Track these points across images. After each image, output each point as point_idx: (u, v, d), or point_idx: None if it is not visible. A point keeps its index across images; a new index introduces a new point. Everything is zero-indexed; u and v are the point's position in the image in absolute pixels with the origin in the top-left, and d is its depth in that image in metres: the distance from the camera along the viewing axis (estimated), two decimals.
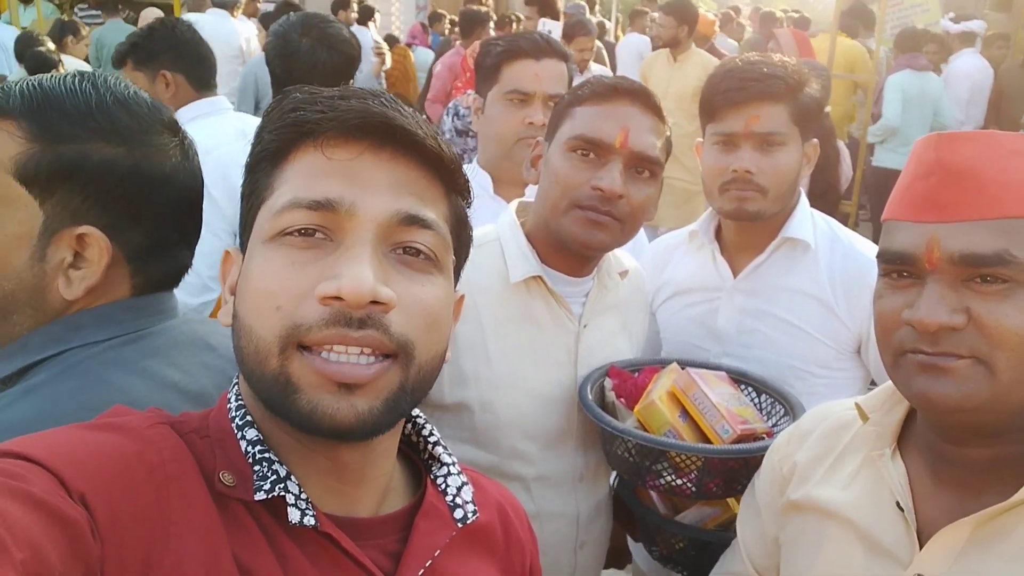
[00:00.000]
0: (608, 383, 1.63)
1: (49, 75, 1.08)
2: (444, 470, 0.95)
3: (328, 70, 2.57)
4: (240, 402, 0.86)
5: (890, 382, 1.13)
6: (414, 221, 0.82)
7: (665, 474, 1.46)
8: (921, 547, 1.03)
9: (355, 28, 9.23)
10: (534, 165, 1.68)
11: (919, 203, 0.99)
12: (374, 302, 0.76)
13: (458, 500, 0.92)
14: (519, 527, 1.05)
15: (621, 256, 1.75)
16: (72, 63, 6.30)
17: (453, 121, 3.52)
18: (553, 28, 5.29)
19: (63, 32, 6.97)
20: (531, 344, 1.59)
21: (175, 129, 1.13)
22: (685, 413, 1.53)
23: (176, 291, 1.19)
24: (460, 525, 0.90)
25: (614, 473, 1.75)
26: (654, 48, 5.86)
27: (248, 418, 0.84)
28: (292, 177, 0.82)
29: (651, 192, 1.56)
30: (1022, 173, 0.95)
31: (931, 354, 0.96)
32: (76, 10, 10.91)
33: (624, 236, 1.56)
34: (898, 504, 1.07)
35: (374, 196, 0.80)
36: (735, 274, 1.85)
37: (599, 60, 6.53)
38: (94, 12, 10.54)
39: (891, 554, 1.06)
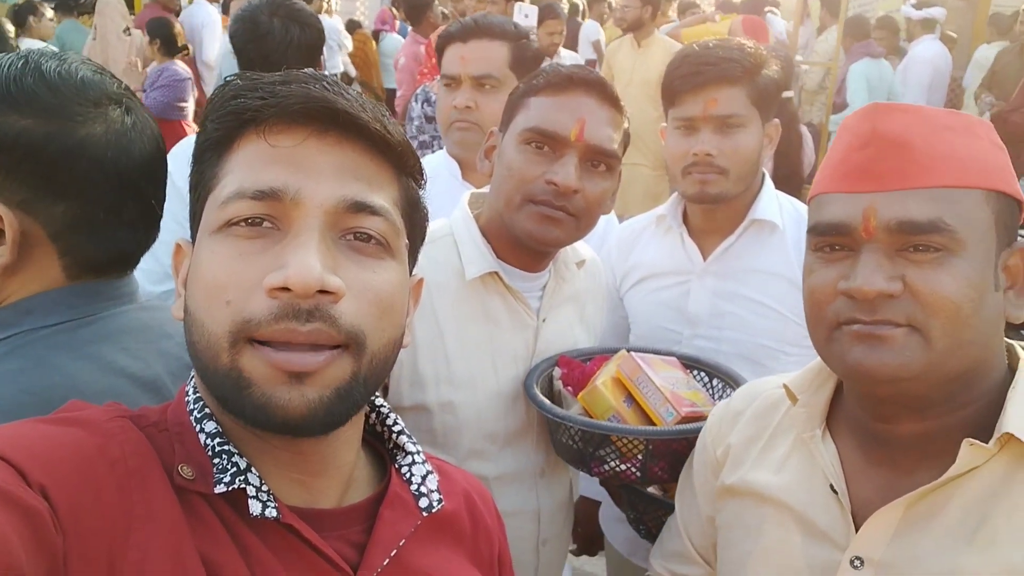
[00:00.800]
0: (557, 372, 1.61)
1: None
2: (409, 459, 0.95)
3: (303, 47, 2.53)
4: (198, 395, 0.85)
5: (816, 361, 1.14)
6: (361, 208, 0.80)
7: (609, 460, 1.45)
8: (857, 529, 1.03)
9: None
10: (488, 156, 1.63)
11: (855, 174, 0.99)
12: (322, 291, 0.75)
13: (423, 489, 0.91)
14: (487, 515, 1.04)
15: (578, 247, 1.72)
16: (32, 45, 6.17)
17: (423, 107, 3.48)
18: (530, 12, 5.25)
19: (21, 14, 6.81)
20: (490, 342, 1.56)
21: (117, 105, 1.08)
22: (630, 398, 1.52)
23: (141, 279, 1.16)
24: (425, 514, 0.90)
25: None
26: (619, 31, 5.86)
27: (206, 411, 0.83)
28: (237, 166, 0.80)
29: (607, 186, 1.52)
30: (952, 146, 0.97)
31: (868, 323, 0.96)
32: None
33: (579, 231, 1.53)
34: (832, 487, 1.07)
35: (320, 182, 0.79)
36: (704, 257, 1.87)
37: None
38: None
39: (828, 537, 1.06)
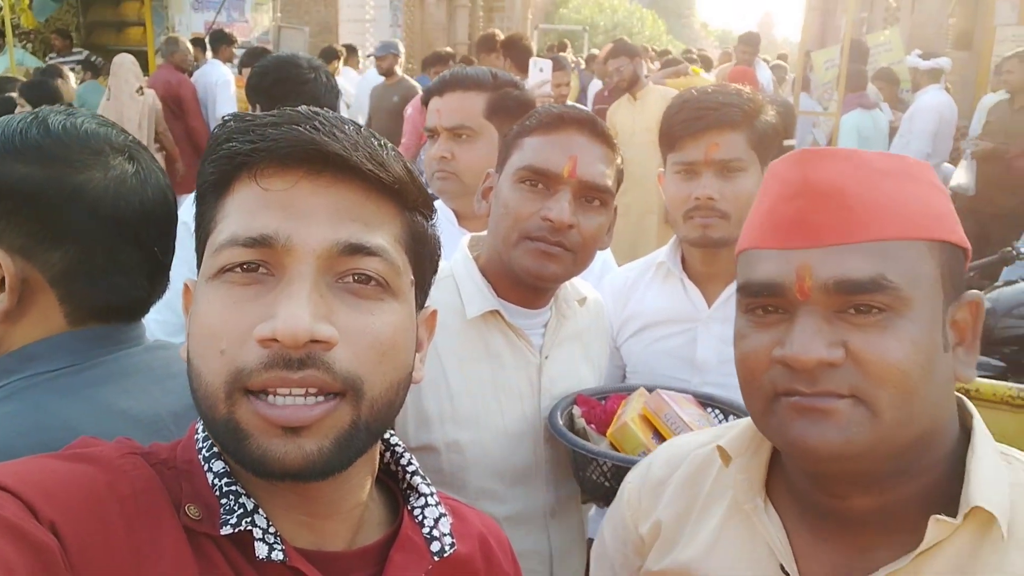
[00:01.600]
0: (577, 411, 1.61)
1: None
2: (422, 500, 0.92)
3: (334, 93, 2.63)
4: (207, 433, 0.84)
5: (750, 419, 1.03)
6: (356, 250, 0.78)
7: None
8: None
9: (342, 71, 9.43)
10: (485, 197, 1.65)
11: (785, 228, 0.90)
12: (314, 340, 0.73)
13: (435, 532, 0.89)
14: (502, 559, 1.01)
15: (578, 284, 1.73)
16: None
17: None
18: (545, 66, 5.38)
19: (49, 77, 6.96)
20: (493, 379, 1.56)
21: (120, 154, 1.10)
22: (658, 435, 1.51)
23: (156, 330, 1.16)
24: (436, 558, 0.87)
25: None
26: (614, 92, 5.98)
27: (215, 450, 0.82)
28: (232, 211, 0.79)
29: (602, 220, 1.54)
30: (890, 194, 0.88)
31: (808, 395, 0.86)
32: (47, 57, 10.97)
33: (576, 267, 1.54)
34: (782, 567, 0.96)
35: (312, 226, 0.77)
36: (709, 303, 1.85)
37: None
38: (65, 58, 10.61)
39: None
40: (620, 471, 1.42)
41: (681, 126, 1.78)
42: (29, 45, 12.15)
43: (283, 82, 2.57)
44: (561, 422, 1.55)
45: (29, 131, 1.04)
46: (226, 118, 0.83)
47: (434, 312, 0.95)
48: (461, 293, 1.57)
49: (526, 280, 1.52)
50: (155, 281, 1.16)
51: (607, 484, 1.47)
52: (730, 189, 1.74)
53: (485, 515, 1.06)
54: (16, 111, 5.22)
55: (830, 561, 0.95)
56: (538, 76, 5.22)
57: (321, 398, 0.75)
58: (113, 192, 1.07)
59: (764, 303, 0.91)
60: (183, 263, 1.15)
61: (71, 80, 7.25)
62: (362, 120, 9.55)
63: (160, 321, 1.18)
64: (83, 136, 1.07)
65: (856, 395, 0.85)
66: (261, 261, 0.77)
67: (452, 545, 0.89)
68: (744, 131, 1.74)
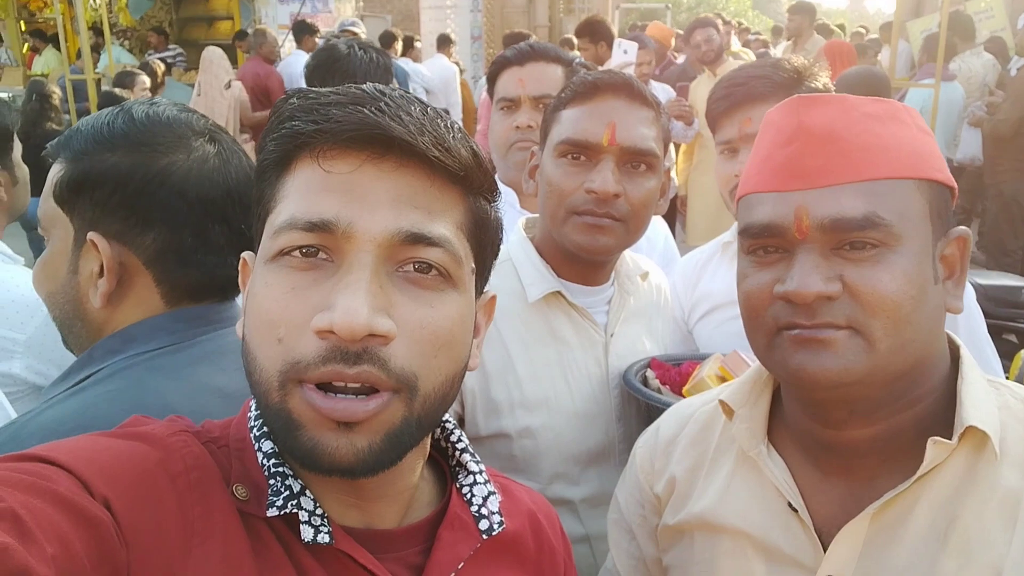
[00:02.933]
0: (651, 373, 1.58)
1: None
2: (470, 479, 0.92)
3: (380, 68, 2.63)
4: (259, 412, 0.83)
5: (750, 372, 1.10)
6: (418, 240, 0.76)
7: None
8: (824, 546, 0.97)
9: (401, 61, 9.51)
10: (531, 176, 1.62)
11: (783, 172, 0.94)
12: (372, 335, 0.72)
13: (483, 511, 0.89)
14: (551, 535, 1.01)
15: (638, 259, 1.70)
16: None
17: None
18: (629, 48, 5.30)
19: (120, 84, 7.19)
20: (560, 362, 1.54)
21: (201, 136, 1.15)
22: None
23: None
24: (485, 536, 0.87)
25: None
26: (694, 65, 5.87)
27: (265, 429, 0.82)
28: (292, 191, 0.78)
29: (652, 185, 1.49)
30: (879, 136, 0.93)
31: (808, 327, 0.91)
32: (146, 54, 11.37)
33: (629, 235, 1.50)
34: (790, 505, 1.00)
35: (374, 213, 0.75)
36: None
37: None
38: (162, 54, 10.98)
39: (794, 560, 1.00)
40: None
41: (715, 106, 1.76)
42: (126, 43, 12.62)
43: (320, 67, 2.62)
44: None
45: (115, 122, 1.10)
46: (289, 94, 0.81)
47: (493, 297, 0.94)
48: (521, 276, 1.56)
49: (580, 256, 1.50)
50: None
51: None
52: None
53: (535, 491, 1.05)
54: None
55: (836, 494, 0.99)
56: (622, 58, 5.15)
57: (373, 394, 0.74)
58: (197, 172, 1.11)
59: (764, 243, 0.96)
60: None
61: (144, 82, 7.50)
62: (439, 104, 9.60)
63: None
64: (165, 122, 1.12)
65: (852, 326, 0.90)
66: (321, 246, 0.75)
67: (501, 523, 0.89)
68: (779, 101, 1.68)
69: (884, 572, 0.94)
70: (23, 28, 12.97)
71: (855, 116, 0.93)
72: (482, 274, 0.89)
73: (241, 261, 0.88)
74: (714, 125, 1.79)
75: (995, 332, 4.20)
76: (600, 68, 4.53)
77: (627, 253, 1.66)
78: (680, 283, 1.96)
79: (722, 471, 1.10)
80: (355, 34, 6.50)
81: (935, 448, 0.90)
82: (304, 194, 0.77)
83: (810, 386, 0.93)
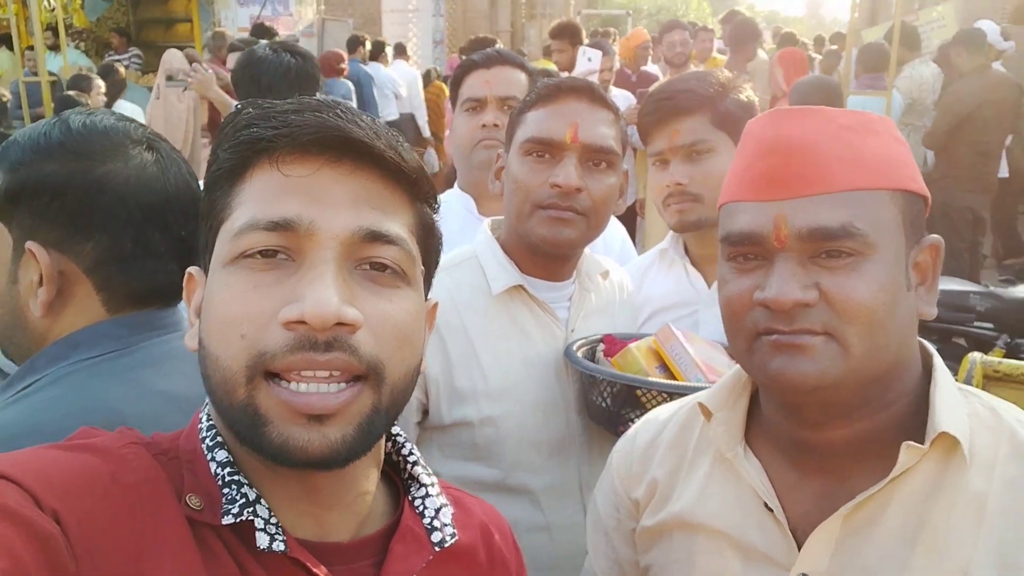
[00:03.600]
0: (601, 347, 1.65)
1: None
2: (423, 491, 0.93)
3: (298, 74, 2.64)
4: (211, 423, 0.84)
5: (729, 375, 1.13)
6: (377, 237, 0.79)
7: (634, 419, 1.42)
8: (798, 544, 1.01)
9: (370, 66, 9.44)
10: (498, 177, 1.71)
11: (762, 181, 0.98)
12: (340, 323, 0.74)
13: (436, 523, 0.90)
14: (503, 547, 1.02)
15: (599, 258, 1.78)
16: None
17: None
18: (593, 56, 5.35)
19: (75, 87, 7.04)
20: (522, 353, 1.61)
21: (139, 145, 1.15)
22: (664, 367, 1.55)
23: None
24: (437, 548, 0.88)
25: None
26: (672, 68, 5.94)
27: (219, 439, 0.83)
28: (249, 197, 0.79)
29: (612, 182, 1.58)
30: (855, 147, 0.96)
31: (787, 332, 0.94)
32: (106, 55, 11.19)
33: (591, 230, 1.59)
34: (766, 505, 1.04)
35: (334, 212, 0.77)
36: (709, 285, 1.88)
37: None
38: (124, 55, 10.82)
39: (769, 559, 1.03)
40: (617, 395, 1.50)
41: (646, 120, 1.84)
42: (82, 44, 12.41)
43: (241, 69, 2.66)
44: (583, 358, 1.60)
45: (52, 132, 1.10)
46: (240, 105, 0.83)
47: (435, 305, 0.96)
48: (485, 272, 1.62)
49: (544, 249, 1.58)
50: (186, 265, 1.19)
51: (604, 405, 1.51)
52: (699, 171, 1.77)
53: (487, 504, 1.07)
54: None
55: (811, 494, 1.03)
56: (586, 65, 5.20)
57: (343, 384, 0.75)
58: (136, 180, 1.12)
59: (744, 251, 0.99)
60: None
61: (100, 88, 7.37)
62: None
63: None
64: (102, 131, 1.13)
65: (829, 332, 0.93)
66: (281, 247, 0.77)
67: (453, 535, 0.89)
68: (706, 113, 1.77)
69: (856, 570, 0.97)
70: None
71: (832, 128, 0.97)
72: (428, 279, 0.92)
73: (187, 276, 0.89)
74: (645, 137, 1.87)
75: (944, 336, 4.30)
76: (566, 75, 4.57)
77: (588, 252, 1.73)
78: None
79: (700, 472, 1.13)
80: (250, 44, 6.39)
81: (908, 452, 0.94)
82: (263, 198, 0.78)
83: (788, 389, 0.97)
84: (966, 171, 6.14)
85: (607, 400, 1.51)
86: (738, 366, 1.10)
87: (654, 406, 1.41)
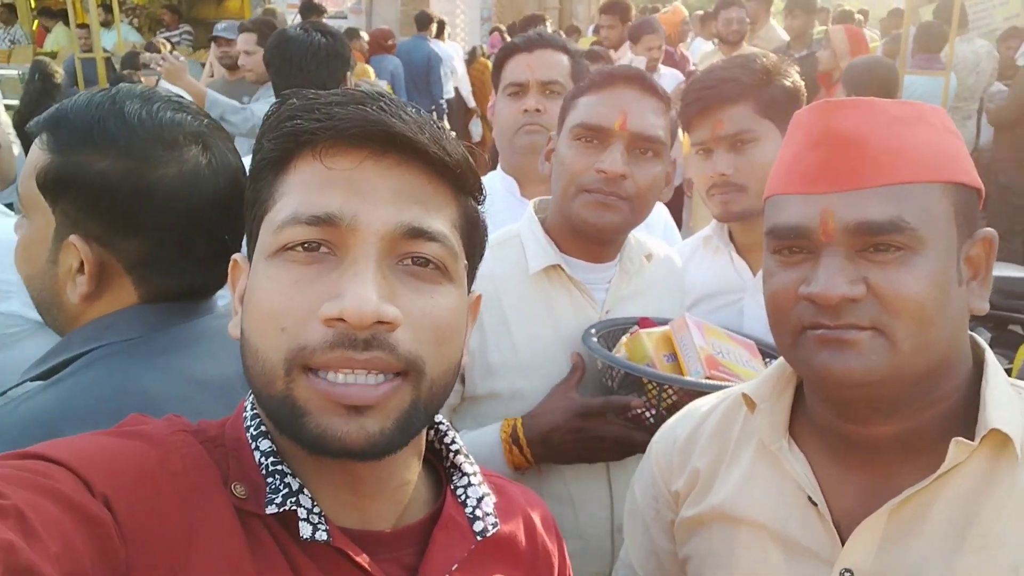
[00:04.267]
0: (633, 331, 1.66)
1: (86, 92, 1.13)
2: (464, 480, 0.93)
3: (328, 53, 2.66)
4: (255, 411, 0.85)
5: (774, 366, 1.12)
6: (419, 234, 0.79)
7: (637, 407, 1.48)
8: (841, 539, 0.99)
9: (432, 42, 9.41)
10: (547, 159, 1.74)
11: (810, 174, 0.96)
12: (379, 322, 0.74)
13: (477, 512, 0.90)
14: (545, 535, 1.02)
15: (645, 240, 1.78)
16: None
17: None
18: (636, 61, 5.28)
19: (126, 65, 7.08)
20: (555, 332, 1.63)
21: (194, 143, 1.13)
22: (673, 356, 1.55)
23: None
24: (479, 538, 0.88)
25: None
26: (723, 46, 5.84)
27: (263, 428, 0.83)
28: (293, 189, 0.80)
29: (657, 171, 1.61)
30: (905, 139, 0.94)
31: (833, 327, 0.93)
32: (157, 32, 11.34)
33: (634, 216, 1.61)
34: (809, 499, 1.02)
35: (377, 207, 0.77)
36: (754, 273, 1.86)
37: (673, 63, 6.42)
38: (175, 31, 10.95)
39: (812, 553, 1.02)
40: (626, 380, 1.51)
41: (688, 109, 1.84)
42: (135, 21, 12.59)
43: (276, 47, 2.67)
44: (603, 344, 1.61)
45: (107, 123, 1.08)
46: (286, 95, 0.83)
47: (479, 298, 0.95)
48: (526, 251, 1.65)
49: (586, 231, 1.60)
50: (225, 267, 1.19)
51: (611, 387, 1.54)
52: (744, 162, 1.75)
53: (530, 492, 1.06)
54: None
55: (855, 489, 1.01)
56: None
57: (383, 377, 0.75)
58: (187, 185, 1.11)
59: (790, 244, 0.98)
60: None
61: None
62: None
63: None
64: (158, 128, 1.10)
65: (876, 327, 0.92)
66: (323, 240, 0.77)
67: (495, 525, 0.89)
68: (749, 102, 1.75)
69: (901, 567, 0.96)
70: (32, 5, 12.95)
71: (882, 120, 0.95)
72: (471, 273, 0.91)
73: (232, 262, 0.90)
74: (688, 126, 1.85)
75: (999, 324, 4.17)
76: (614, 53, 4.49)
77: (633, 235, 1.74)
78: None
79: (742, 463, 1.12)
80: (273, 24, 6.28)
81: (957, 448, 0.92)
82: (306, 190, 0.78)
83: (833, 385, 0.95)
84: None
85: (615, 384, 1.53)
86: (781, 358, 1.08)
87: (655, 395, 1.43)
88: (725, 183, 1.77)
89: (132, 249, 1.10)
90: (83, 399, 1.02)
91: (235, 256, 0.89)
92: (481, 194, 0.91)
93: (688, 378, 1.47)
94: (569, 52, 2.33)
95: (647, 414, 1.47)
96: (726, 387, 1.32)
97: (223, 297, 1.26)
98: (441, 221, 0.82)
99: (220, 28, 6.12)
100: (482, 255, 0.95)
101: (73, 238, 1.07)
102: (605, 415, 1.50)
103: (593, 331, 1.59)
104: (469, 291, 0.91)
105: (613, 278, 1.70)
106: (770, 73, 1.78)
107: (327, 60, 2.63)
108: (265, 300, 0.77)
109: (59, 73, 5.85)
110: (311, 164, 0.79)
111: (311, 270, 0.76)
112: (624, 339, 1.61)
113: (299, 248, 0.77)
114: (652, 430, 1.37)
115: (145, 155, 1.08)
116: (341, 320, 0.73)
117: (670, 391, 1.43)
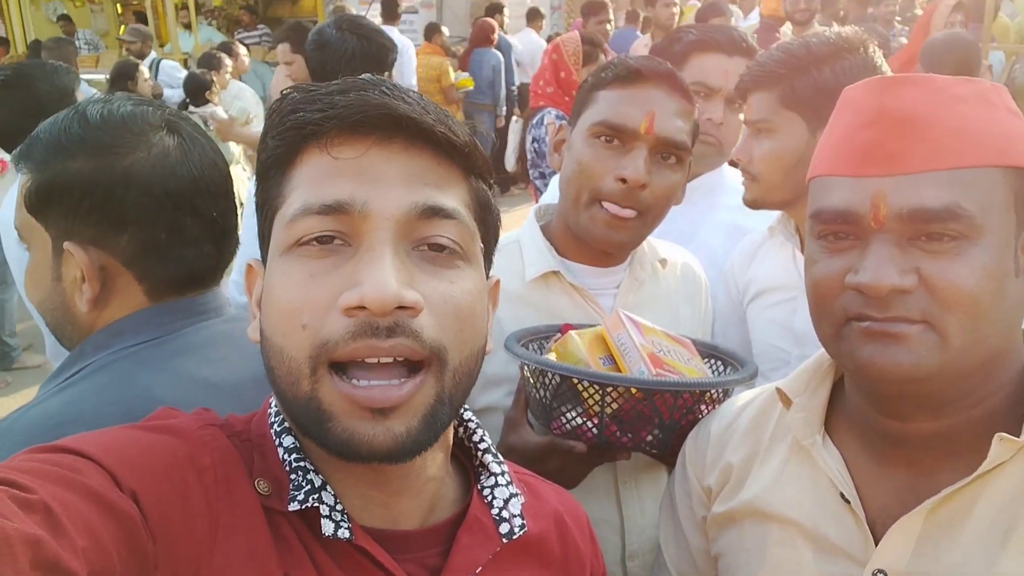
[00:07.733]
0: (557, 337, 1.51)
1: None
2: (492, 480, 0.91)
3: (364, 58, 2.64)
4: (283, 406, 0.83)
5: (810, 361, 1.07)
6: (434, 212, 0.77)
7: (569, 414, 1.30)
8: (876, 539, 0.94)
9: (523, 32, 9.47)
10: (556, 150, 1.61)
11: (861, 156, 0.90)
12: (400, 307, 0.72)
13: (504, 514, 0.88)
14: (578, 537, 0.99)
15: (658, 245, 1.67)
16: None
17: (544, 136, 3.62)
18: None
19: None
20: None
21: (159, 130, 1.14)
22: (610, 359, 1.38)
23: (233, 290, 1.23)
24: (505, 540, 0.86)
25: None
26: (798, 27, 5.70)
27: (286, 424, 0.83)
28: (301, 182, 0.78)
29: (676, 179, 1.49)
30: (966, 120, 0.87)
31: (881, 320, 0.87)
32: (235, 33, 11.64)
33: (646, 228, 1.50)
34: (842, 495, 0.98)
35: (388, 191, 0.76)
36: None
37: None
38: (254, 32, 11.22)
39: (844, 552, 0.97)
40: (562, 387, 1.30)
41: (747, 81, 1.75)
42: (214, 22, 12.95)
43: (315, 51, 2.69)
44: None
45: (71, 127, 1.11)
46: (285, 91, 0.82)
47: (497, 282, 0.94)
48: (524, 256, 1.56)
49: (593, 245, 1.51)
50: (222, 246, 1.21)
51: (539, 395, 1.35)
52: (759, 150, 1.67)
53: (565, 492, 1.03)
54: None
55: (893, 487, 0.96)
56: None
57: (405, 377, 0.74)
58: (160, 169, 1.12)
59: (837, 230, 0.92)
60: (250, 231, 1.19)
61: (242, 57, 7.64)
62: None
63: (236, 282, 1.25)
64: (120, 121, 1.12)
65: (927, 320, 0.86)
66: (336, 231, 0.75)
67: (522, 527, 0.88)
68: (774, 91, 1.64)
69: (937, 570, 0.91)
70: (119, 11, 13.44)
71: (941, 99, 0.88)
72: (488, 256, 0.90)
73: (246, 268, 0.89)
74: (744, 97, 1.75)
75: None
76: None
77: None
78: (736, 264, 1.93)
79: (775, 459, 1.09)
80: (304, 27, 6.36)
81: (1001, 445, 0.87)
82: (314, 182, 0.77)
83: (879, 380, 0.91)
84: None
85: (543, 394, 1.34)
86: (821, 350, 1.04)
87: (595, 401, 1.27)
88: (744, 169, 1.71)
89: (125, 244, 1.11)
90: (90, 403, 1.04)
91: (250, 260, 0.88)
92: (491, 176, 0.88)
93: (639, 377, 1.30)
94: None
95: (588, 424, 1.29)
96: (684, 382, 1.25)
97: (234, 283, 1.26)
98: (454, 200, 0.80)
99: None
100: (496, 238, 0.92)
101: (68, 245, 1.10)
102: (551, 455, 1.33)
103: (516, 340, 1.44)
104: (487, 276, 0.90)
105: (622, 283, 1.59)
106: (815, 60, 1.62)
107: (362, 66, 2.59)
108: (282, 297, 0.76)
109: (142, 74, 6.07)
110: (318, 156, 0.78)
111: (326, 262, 0.75)
112: (551, 344, 1.46)
113: (313, 242, 0.76)
114: (594, 443, 1.28)
115: (113, 146, 1.10)
116: (362, 308, 0.71)
117: (614, 393, 1.26)
